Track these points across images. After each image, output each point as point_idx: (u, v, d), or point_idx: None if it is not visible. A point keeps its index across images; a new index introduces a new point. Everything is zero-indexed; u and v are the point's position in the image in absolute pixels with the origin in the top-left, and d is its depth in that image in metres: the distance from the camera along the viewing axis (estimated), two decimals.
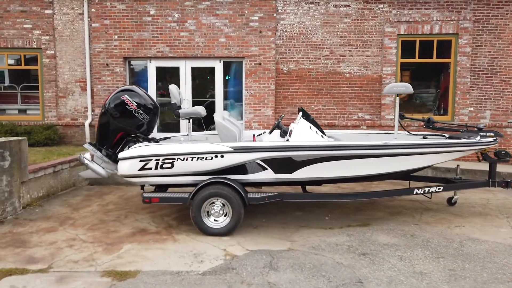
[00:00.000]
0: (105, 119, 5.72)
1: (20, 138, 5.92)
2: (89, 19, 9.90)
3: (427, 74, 10.46)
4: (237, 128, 6.14)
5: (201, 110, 5.89)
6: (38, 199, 6.40)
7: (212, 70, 9.97)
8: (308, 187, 6.13)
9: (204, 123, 9.92)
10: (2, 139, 5.70)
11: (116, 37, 9.77)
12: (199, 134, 6.62)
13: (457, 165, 6.40)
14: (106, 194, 7.09)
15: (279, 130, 6.13)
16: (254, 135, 5.92)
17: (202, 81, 10.10)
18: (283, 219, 5.72)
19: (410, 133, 6.60)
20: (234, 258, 4.23)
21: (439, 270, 3.98)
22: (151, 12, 9.70)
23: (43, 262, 4.08)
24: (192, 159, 4.96)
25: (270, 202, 5.08)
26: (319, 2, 9.70)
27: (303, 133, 5.14)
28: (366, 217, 5.78)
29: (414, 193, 5.59)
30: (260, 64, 9.68)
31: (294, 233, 5.14)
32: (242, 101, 9.99)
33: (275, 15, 9.62)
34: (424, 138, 6.12)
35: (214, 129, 9.94)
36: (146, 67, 10.02)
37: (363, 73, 9.83)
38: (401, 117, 6.84)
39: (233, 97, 10.09)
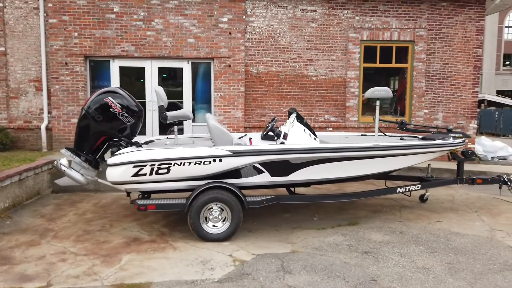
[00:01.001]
0: (85, 122, 5.40)
1: None
2: (45, 14, 9.22)
3: (385, 78, 11.07)
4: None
5: (189, 113, 5.76)
6: (5, 210, 5.85)
7: (179, 71, 9.74)
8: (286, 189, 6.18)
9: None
10: None
11: (76, 34, 9.19)
12: (186, 137, 6.45)
13: (429, 164, 6.84)
14: (78, 202, 6.65)
15: (262, 133, 6.15)
16: (250, 138, 5.89)
17: (169, 82, 9.83)
18: (273, 221, 5.75)
19: (386, 135, 6.95)
20: (244, 263, 4.18)
21: (438, 264, 4.24)
22: (115, 10, 9.26)
23: (40, 280, 3.75)
24: (189, 164, 4.82)
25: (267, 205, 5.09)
26: (287, 6, 9.86)
27: (298, 136, 5.22)
28: (351, 217, 5.99)
29: (397, 192, 5.91)
30: (229, 65, 9.63)
31: (289, 235, 5.19)
32: (210, 103, 9.87)
33: (244, 17, 9.62)
34: (401, 139, 6.47)
35: (173, 132, 9.67)
36: (109, 66, 9.54)
37: (328, 77, 10.15)
38: (374, 119, 7.17)
39: (201, 99, 9.93)
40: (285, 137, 5.25)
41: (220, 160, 4.88)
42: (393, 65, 10.43)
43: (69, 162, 5.56)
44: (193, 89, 9.82)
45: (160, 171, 4.79)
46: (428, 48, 10.35)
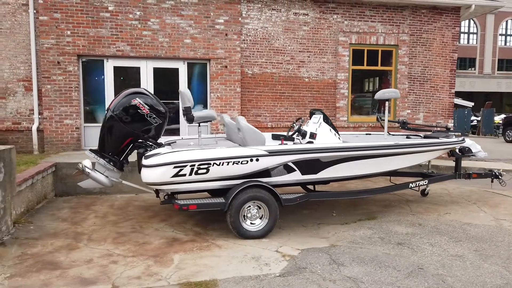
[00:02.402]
0: (111, 123, 5.34)
1: (9, 146, 5.16)
2: (35, 11, 8.84)
3: (370, 80, 11.64)
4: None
5: (214, 114, 5.85)
6: (22, 215, 5.63)
7: (175, 71, 9.69)
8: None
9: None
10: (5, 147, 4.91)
11: (68, 32, 8.90)
12: (208, 138, 6.49)
13: (429, 161, 7.33)
14: (92, 205, 6.50)
15: (287, 133, 6.32)
16: (282, 138, 6.03)
17: (164, 82, 9.75)
18: (297, 218, 5.95)
19: (390, 134, 7.37)
20: (294, 258, 4.35)
21: (467, 251, 4.64)
22: (110, 8, 9.06)
23: (103, 282, 3.72)
24: (228, 164, 4.92)
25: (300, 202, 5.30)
26: (280, 9, 10.10)
27: (326, 136, 5.47)
28: (366, 212, 6.32)
29: (409, 187, 6.32)
30: (226, 66, 9.72)
31: (318, 230, 5.42)
32: (206, 103, 9.91)
33: (240, 19, 9.75)
34: (407, 138, 6.90)
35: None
36: (103, 66, 9.31)
37: (320, 78, 10.51)
38: (377, 119, 7.59)
39: (196, 99, 9.92)
40: (313, 136, 5.47)
41: (257, 160, 5.01)
42: (379, 67, 10.98)
43: (93, 164, 5.47)
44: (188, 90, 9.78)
45: (199, 171, 4.85)
46: (410, 52, 10.99)
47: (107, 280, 3.77)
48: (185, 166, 4.80)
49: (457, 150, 7.15)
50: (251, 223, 5.02)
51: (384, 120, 7.53)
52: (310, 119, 5.97)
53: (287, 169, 5.26)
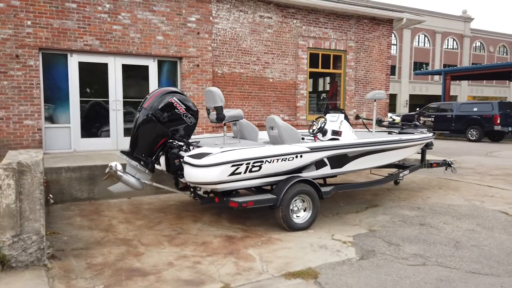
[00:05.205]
0: (148, 123, 5.21)
1: (39, 150, 4.63)
2: None
3: (319, 81, 12.60)
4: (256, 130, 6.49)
5: (242, 113, 5.98)
6: None
7: (145, 68, 9.32)
8: None
9: None
10: (36, 151, 4.37)
11: (29, 23, 7.96)
12: (230, 137, 6.52)
13: None
14: (99, 212, 6.07)
15: (309, 130, 6.68)
16: (315, 136, 6.35)
17: (134, 80, 9.30)
18: None
19: (369, 130, 8.26)
20: (355, 244, 4.80)
21: (474, 226, 5.61)
22: None
23: (212, 282, 3.70)
24: (277, 161, 5.15)
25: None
26: (247, 11, 10.38)
27: (349, 133, 6.04)
28: (365, 201, 7.05)
29: (399, 176, 7.25)
30: (198, 65, 9.67)
31: (342, 219, 5.94)
32: None
33: (211, 18, 9.78)
34: (389, 134, 7.84)
35: None
36: (66, 61, 8.53)
37: (282, 79, 11.07)
38: (357, 117, 8.46)
39: None
40: (338, 134, 5.99)
41: (301, 156, 5.34)
42: (331, 70, 11.99)
43: (123, 166, 5.22)
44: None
45: (253, 168, 5.00)
46: (356, 57, 12.22)
47: (211, 279, 3.76)
48: (241, 164, 4.90)
49: None
50: (296, 216, 5.32)
51: (370, 119, 8.41)
52: (325, 117, 6.49)
53: (320, 164, 5.68)
